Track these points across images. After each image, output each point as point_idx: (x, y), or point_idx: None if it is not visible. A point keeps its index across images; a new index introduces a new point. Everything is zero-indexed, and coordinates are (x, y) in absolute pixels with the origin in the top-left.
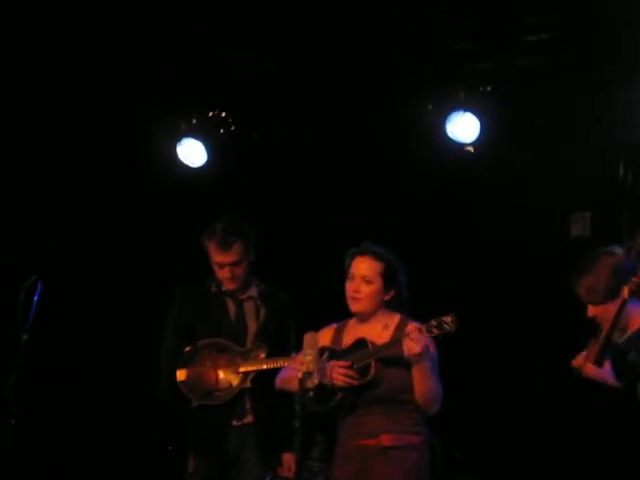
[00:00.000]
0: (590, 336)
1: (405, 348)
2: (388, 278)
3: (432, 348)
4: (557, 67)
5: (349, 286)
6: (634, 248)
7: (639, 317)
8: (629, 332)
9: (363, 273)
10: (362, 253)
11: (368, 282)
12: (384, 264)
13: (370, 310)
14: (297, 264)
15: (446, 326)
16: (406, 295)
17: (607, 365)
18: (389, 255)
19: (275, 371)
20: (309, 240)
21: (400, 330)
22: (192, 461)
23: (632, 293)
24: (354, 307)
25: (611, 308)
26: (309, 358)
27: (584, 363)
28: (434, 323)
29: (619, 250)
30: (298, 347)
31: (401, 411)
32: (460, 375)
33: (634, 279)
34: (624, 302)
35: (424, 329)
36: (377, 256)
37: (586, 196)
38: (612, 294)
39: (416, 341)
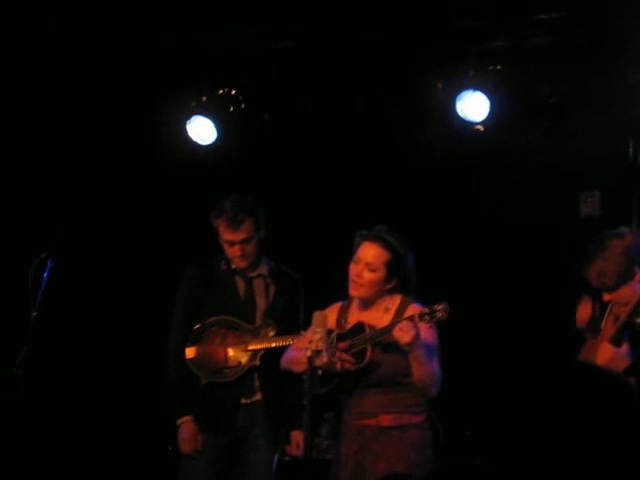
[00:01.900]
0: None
1: (395, 336)
2: (392, 268)
3: (428, 332)
4: (568, 46)
5: (353, 269)
6: None
7: None
8: None
9: (368, 260)
10: (371, 239)
11: (372, 270)
12: (391, 254)
13: (369, 297)
14: (306, 243)
15: (438, 314)
16: (413, 282)
17: (625, 346)
18: (398, 243)
19: (284, 349)
20: (318, 219)
21: (400, 313)
22: (201, 438)
23: None
24: (353, 292)
25: (625, 290)
26: (318, 336)
27: (600, 342)
28: (426, 310)
29: (628, 231)
30: (306, 326)
31: (401, 392)
32: (470, 355)
33: None
34: None
35: (416, 318)
36: (385, 244)
37: (596, 176)
38: (623, 277)
39: (405, 331)
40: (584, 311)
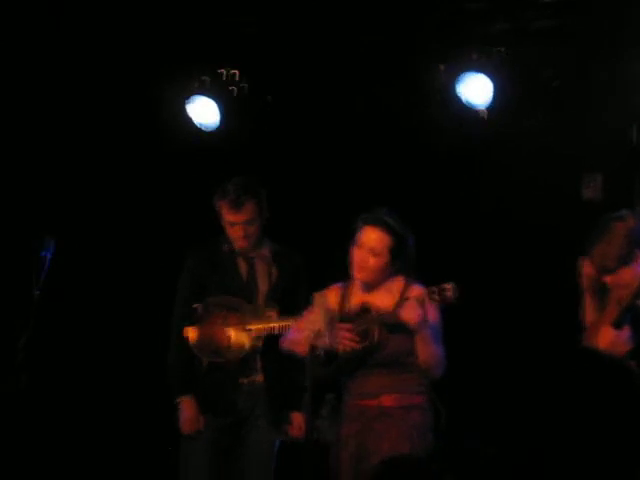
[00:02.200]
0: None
1: (402, 317)
2: (396, 252)
3: (433, 313)
4: (571, 29)
5: (356, 254)
6: None
7: None
8: None
9: (372, 245)
10: (373, 223)
11: (376, 254)
12: (393, 238)
13: (373, 280)
14: (308, 225)
15: (447, 292)
16: (413, 263)
17: (626, 329)
18: (399, 226)
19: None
20: (321, 201)
21: (404, 294)
22: (202, 419)
23: None
24: (358, 275)
25: (625, 272)
26: (318, 318)
27: (602, 325)
28: (434, 290)
29: (630, 214)
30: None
31: (403, 373)
32: (470, 339)
33: None
34: None
35: (424, 297)
36: (387, 228)
37: (598, 159)
38: (624, 260)
39: (412, 310)
40: (587, 269)
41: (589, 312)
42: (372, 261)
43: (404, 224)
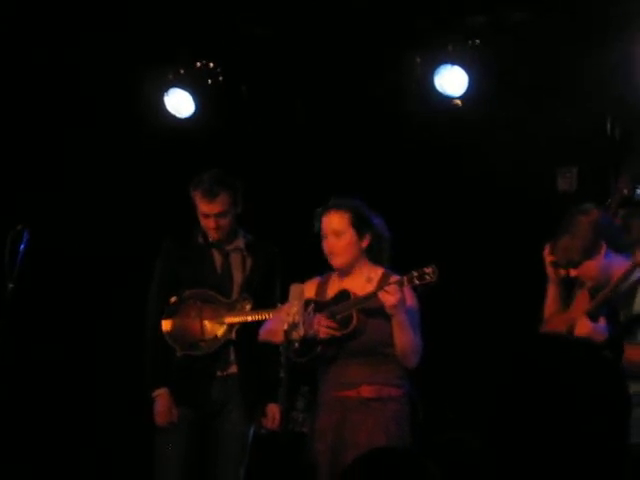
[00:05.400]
0: (575, 289)
1: (381, 299)
2: (359, 225)
3: (412, 301)
4: (547, 22)
5: (325, 244)
6: (617, 194)
7: (619, 268)
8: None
9: (333, 227)
10: (327, 210)
11: (340, 235)
12: (350, 213)
13: (350, 262)
14: (284, 216)
15: (427, 277)
16: (386, 239)
17: (602, 321)
18: (355, 203)
19: (261, 322)
20: (297, 192)
21: (383, 283)
22: (176, 411)
23: None
24: (334, 262)
25: (591, 265)
26: (295, 309)
27: (578, 316)
28: (415, 274)
29: (593, 207)
30: (283, 300)
31: (382, 363)
32: (446, 329)
33: None
34: (633, 268)
35: (405, 281)
36: (341, 207)
37: (573, 151)
38: (589, 252)
39: (391, 293)
40: (548, 257)
41: (549, 302)
42: (340, 243)
43: (361, 202)
